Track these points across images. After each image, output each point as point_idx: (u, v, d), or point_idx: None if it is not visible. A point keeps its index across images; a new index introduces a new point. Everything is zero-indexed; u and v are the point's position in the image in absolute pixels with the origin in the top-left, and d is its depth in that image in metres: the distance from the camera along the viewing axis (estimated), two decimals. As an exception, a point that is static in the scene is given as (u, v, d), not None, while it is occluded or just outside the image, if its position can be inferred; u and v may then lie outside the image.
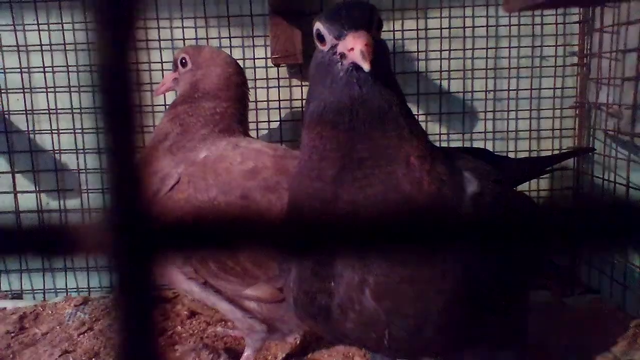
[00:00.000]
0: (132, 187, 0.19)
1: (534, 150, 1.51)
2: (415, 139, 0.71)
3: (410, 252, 0.58)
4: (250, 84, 1.44)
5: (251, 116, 1.46)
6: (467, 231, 0.21)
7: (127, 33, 0.19)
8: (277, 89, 1.48)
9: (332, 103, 0.70)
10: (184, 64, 1.18)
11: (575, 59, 1.47)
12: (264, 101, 1.48)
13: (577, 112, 1.48)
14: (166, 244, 0.20)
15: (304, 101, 1.37)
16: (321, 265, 0.70)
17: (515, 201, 0.86)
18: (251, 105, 1.45)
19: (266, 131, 1.50)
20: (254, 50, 1.46)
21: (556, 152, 1.50)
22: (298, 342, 1.22)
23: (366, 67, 0.65)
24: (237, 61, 1.24)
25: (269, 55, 1.43)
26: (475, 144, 1.49)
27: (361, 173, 0.68)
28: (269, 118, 1.49)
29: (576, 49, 1.47)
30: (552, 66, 1.48)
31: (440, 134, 1.49)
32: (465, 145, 1.47)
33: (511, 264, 0.73)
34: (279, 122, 1.49)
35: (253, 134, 1.46)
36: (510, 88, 1.49)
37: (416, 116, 1.47)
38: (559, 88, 1.49)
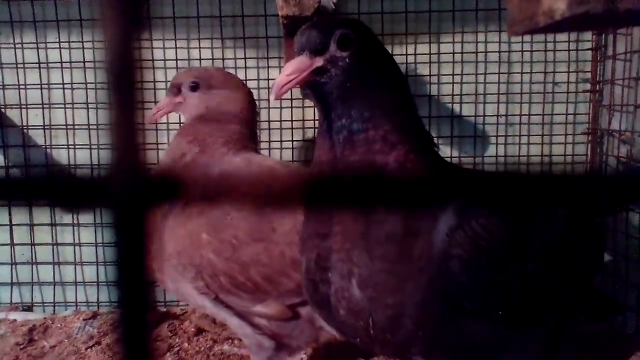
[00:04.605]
0: (132, 151, 0.22)
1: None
2: (394, 148, 0.73)
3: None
4: (264, 104, 1.47)
5: (264, 136, 1.48)
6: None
7: (133, 14, 0.22)
8: (290, 109, 1.50)
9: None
10: (194, 88, 1.18)
11: (587, 86, 1.47)
12: (277, 121, 1.50)
13: (590, 138, 1.48)
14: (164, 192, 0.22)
15: (316, 121, 1.39)
16: (321, 257, 0.76)
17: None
18: (264, 125, 1.48)
19: (278, 151, 1.51)
20: (268, 71, 1.49)
21: (568, 177, 1.49)
22: (305, 359, 1.21)
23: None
24: (250, 81, 1.27)
25: (283, 76, 1.45)
26: (487, 169, 1.49)
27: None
28: (281, 138, 1.51)
29: (589, 75, 1.47)
30: (565, 92, 1.48)
31: (451, 157, 1.49)
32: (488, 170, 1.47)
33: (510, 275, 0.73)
34: (291, 142, 1.51)
35: (265, 153, 1.47)
36: (522, 113, 1.49)
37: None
38: (571, 114, 1.49)
